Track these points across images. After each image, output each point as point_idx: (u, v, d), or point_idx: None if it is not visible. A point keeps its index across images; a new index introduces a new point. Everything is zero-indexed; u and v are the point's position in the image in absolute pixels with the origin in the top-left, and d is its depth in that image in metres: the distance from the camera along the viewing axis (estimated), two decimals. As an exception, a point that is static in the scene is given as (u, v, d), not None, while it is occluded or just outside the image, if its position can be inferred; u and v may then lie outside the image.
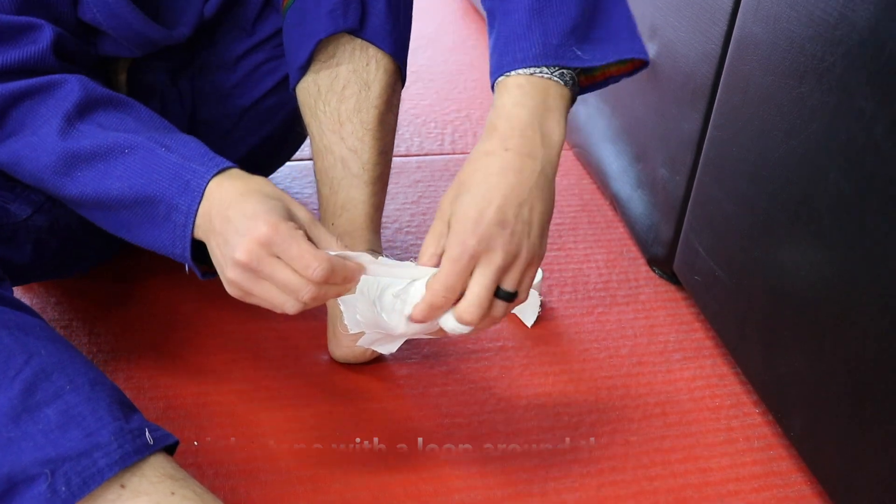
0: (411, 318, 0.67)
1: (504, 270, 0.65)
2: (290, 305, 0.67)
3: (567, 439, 0.88)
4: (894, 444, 0.70)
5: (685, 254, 1.06)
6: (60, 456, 0.61)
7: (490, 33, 0.73)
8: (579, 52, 0.66)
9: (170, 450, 0.68)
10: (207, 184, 0.70)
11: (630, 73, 0.73)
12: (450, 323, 0.67)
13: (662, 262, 1.13)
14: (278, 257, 0.65)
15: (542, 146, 0.66)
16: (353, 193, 0.87)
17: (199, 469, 0.82)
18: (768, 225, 0.86)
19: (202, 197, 0.69)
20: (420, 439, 0.87)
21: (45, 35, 0.75)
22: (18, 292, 1.01)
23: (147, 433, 0.65)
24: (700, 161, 1.00)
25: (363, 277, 0.78)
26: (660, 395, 0.95)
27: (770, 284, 0.87)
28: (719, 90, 0.95)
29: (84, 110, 0.74)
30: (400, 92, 0.91)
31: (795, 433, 0.85)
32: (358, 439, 0.86)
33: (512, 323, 1.04)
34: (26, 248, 0.84)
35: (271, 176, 1.26)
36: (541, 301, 1.04)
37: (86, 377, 0.66)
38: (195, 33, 0.91)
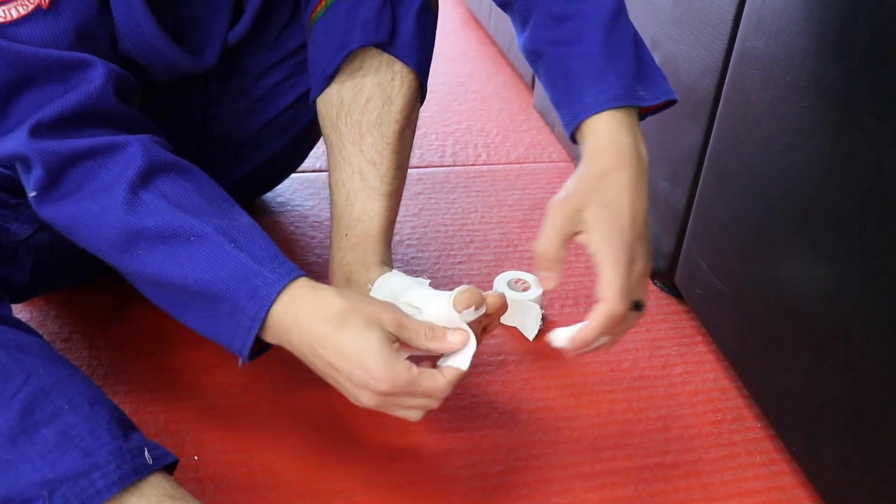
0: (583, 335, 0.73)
1: (640, 281, 0.73)
2: (415, 418, 0.73)
3: (568, 454, 0.88)
4: (895, 459, 0.70)
5: (686, 267, 1.06)
6: (58, 477, 0.61)
7: (548, 71, 0.78)
8: (642, 93, 0.76)
9: (169, 468, 0.68)
10: (278, 294, 0.69)
11: (660, 110, 0.80)
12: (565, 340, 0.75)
13: (664, 276, 1.13)
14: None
15: (642, 167, 0.75)
16: (369, 205, 0.87)
17: (199, 483, 0.81)
18: (769, 239, 0.86)
19: (271, 305, 0.69)
20: (421, 453, 0.87)
21: (99, 73, 0.71)
22: (18, 305, 1.01)
23: (146, 452, 0.64)
24: (701, 174, 1.00)
25: (379, 285, 0.81)
26: (661, 409, 0.95)
27: (771, 298, 0.87)
28: (720, 104, 0.95)
29: (148, 177, 0.71)
30: (419, 108, 0.91)
31: (797, 448, 0.84)
32: (358, 453, 0.86)
33: (513, 337, 1.04)
34: (26, 267, 0.84)
35: (274, 189, 1.26)
36: (543, 314, 1.04)
37: (84, 396, 0.66)
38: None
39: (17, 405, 0.63)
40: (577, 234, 0.73)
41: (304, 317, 0.69)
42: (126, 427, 0.66)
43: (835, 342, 0.77)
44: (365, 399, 0.69)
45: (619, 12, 0.76)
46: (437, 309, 0.74)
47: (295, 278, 0.70)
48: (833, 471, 0.79)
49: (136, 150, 0.71)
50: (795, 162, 0.81)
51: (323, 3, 0.85)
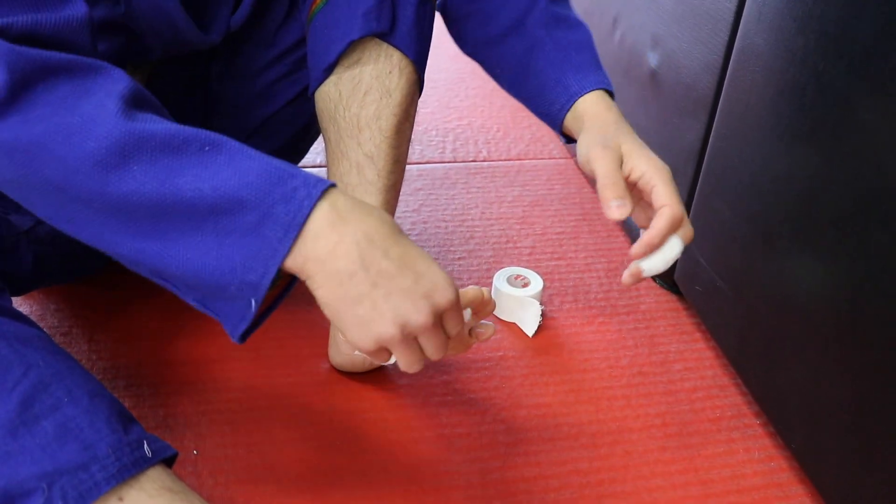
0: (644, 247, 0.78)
1: None
2: (417, 366, 0.64)
3: (567, 449, 0.88)
4: (895, 457, 0.70)
5: (686, 264, 1.06)
6: (57, 469, 0.61)
7: (546, 57, 0.91)
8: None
9: (169, 461, 0.68)
10: (322, 196, 0.58)
11: None
12: (674, 251, 0.79)
13: (663, 272, 1.13)
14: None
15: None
16: (366, 200, 0.87)
17: (198, 477, 0.82)
18: (769, 236, 0.86)
19: (312, 212, 0.58)
20: (421, 448, 0.87)
21: (80, 8, 0.61)
22: (18, 298, 1.01)
23: (145, 445, 0.64)
24: (701, 171, 1.00)
25: None
26: (660, 406, 0.95)
27: (771, 295, 0.87)
28: (721, 101, 0.95)
29: (139, 101, 0.60)
30: (417, 101, 0.91)
31: (796, 445, 0.84)
32: (358, 448, 0.86)
33: (512, 333, 1.04)
34: (27, 259, 0.84)
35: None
36: (542, 310, 1.04)
37: (84, 389, 0.66)
38: (220, 42, 0.91)
39: (16, 397, 0.63)
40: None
41: (357, 216, 0.59)
42: (125, 420, 0.66)
43: (834, 339, 0.77)
44: (422, 313, 0.60)
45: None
46: None
47: (333, 185, 0.60)
48: (832, 467, 0.79)
49: (120, 75, 0.61)
50: (796, 159, 0.81)
51: None
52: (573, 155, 1.46)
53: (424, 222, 1.25)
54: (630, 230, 1.22)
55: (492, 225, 1.26)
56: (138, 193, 0.57)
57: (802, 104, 0.79)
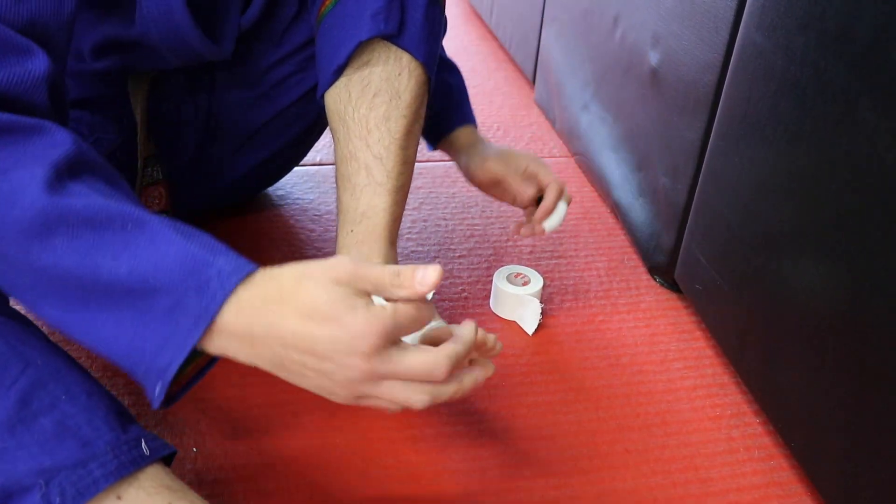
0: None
1: None
2: (420, 405, 0.60)
3: (567, 448, 0.88)
4: (894, 456, 0.70)
5: (686, 262, 1.06)
6: (55, 466, 0.61)
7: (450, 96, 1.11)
8: None
9: (167, 459, 0.68)
10: (234, 288, 0.57)
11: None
12: (563, 210, 1.04)
13: (664, 271, 1.13)
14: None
15: None
16: (375, 201, 0.87)
17: (197, 475, 0.82)
18: (770, 234, 0.86)
19: (223, 306, 0.57)
20: (420, 446, 0.87)
21: (40, 64, 0.61)
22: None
23: (144, 443, 0.64)
24: (702, 170, 1.00)
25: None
26: (660, 404, 0.95)
27: (771, 294, 0.87)
28: (721, 99, 0.95)
29: (75, 168, 0.59)
30: (426, 103, 0.91)
31: (796, 443, 0.84)
32: (357, 446, 0.86)
33: (512, 331, 1.04)
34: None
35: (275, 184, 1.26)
36: (542, 309, 1.04)
37: (82, 386, 0.66)
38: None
39: (14, 395, 0.63)
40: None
41: (265, 315, 0.57)
42: (124, 418, 0.66)
43: (834, 338, 0.77)
44: (356, 374, 0.57)
45: None
46: None
47: (251, 272, 0.58)
48: (831, 466, 0.79)
49: (64, 137, 0.60)
50: (796, 158, 0.81)
51: None
52: (572, 154, 1.46)
53: (425, 220, 1.25)
54: (630, 230, 1.22)
55: (492, 223, 1.26)
56: (59, 267, 0.57)
57: (803, 103, 0.79)
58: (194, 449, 0.84)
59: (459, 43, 2.02)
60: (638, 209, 1.19)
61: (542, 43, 1.66)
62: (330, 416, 0.89)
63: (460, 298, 1.09)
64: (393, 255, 0.89)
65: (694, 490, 0.84)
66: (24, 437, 0.62)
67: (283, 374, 0.60)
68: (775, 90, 0.83)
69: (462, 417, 0.91)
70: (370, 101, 0.86)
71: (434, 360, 0.59)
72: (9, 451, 0.61)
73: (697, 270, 1.02)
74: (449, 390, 0.61)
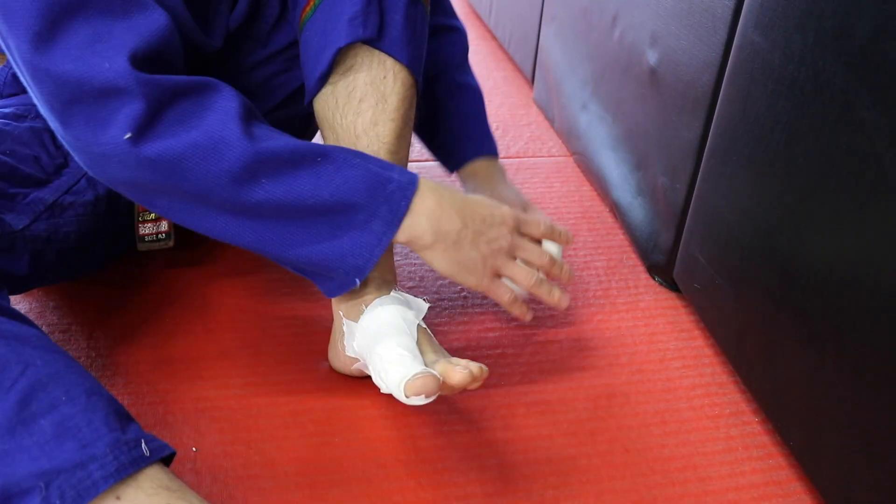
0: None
1: None
2: (531, 277, 0.88)
3: (566, 447, 0.88)
4: (893, 454, 0.70)
5: (685, 262, 1.06)
6: (55, 468, 0.61)
7: (444, 120, 1.13)
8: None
9: (167, 460, 0.68)
10: (414, 194, 0.78)
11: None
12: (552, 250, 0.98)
13: (662, 270, 1.13)
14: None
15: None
16: None
17: (197, 475, 0.82)
18: (768, 234, 0.86)
19: (408, 208, 0.77)
20: (419, 445, 0.87)
21: (162, 16, 0.72)
22: (17, 296, 1.01)
23: (143, 444, 0.65)
24: (700, 169, 1.00)
25: (370, 314, 0.82)
26: (659, 404, 0.95)
27: (770, 293, 0.87)
28: (720, 99, 0.95)
29: (249, 116, 0.73)
30: (415, 105, 0.91)
31: (795, 442, 0.85)
32: (357, 446, 0.86)
33: (512, 331, 1.04)
34: (24, 258, 0.84)
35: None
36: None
37: (82, 388, 0.66)
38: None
39: (14, 396, 0.63)
40: None
41: (439, 195, 0.80)
42: (124, 419, 0.66)
43: (833, 337, 0.77)
44: (504, 242, 0.84)
45: None
46: (392, 381, 0.76)
47: (419, 179, 0.79)
48: (830, 465, 0.79)
49: (231, 91, 0.73)
50: (795, 157, 0.81)
51: (311, 5, 0.85)
52: (571, 153, 1.46)
53: (423, 220, 1.25)
54: (629, 229, 1.22)
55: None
56: (267, 201, 0.73)
57: (801, 102, 0.79)
58: (194, 448, 0.84)
59: (458, 42, 2.02)
60: (637, 208, 1.19)
61: (540, 42, 1.66)
62: (329, 417, 0.89)
63: (459, 298, 1.09)
64: (389, 261, 0.89)
65: (693, 489, 0.84)
66: (24, 439, 0.62)
67: (456, 242, 0.81)
68: (773, 89, 0.83)
69: (461, 417, 0.91)
70: (356, 106, 0.85)
71: (543, 249, 0.90)
72: (8, 453, 0.61)
73: (696, 270, 1.02)
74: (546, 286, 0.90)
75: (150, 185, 0.74)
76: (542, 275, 0.90)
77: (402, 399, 0.75)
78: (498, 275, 0.87)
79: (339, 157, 0.76)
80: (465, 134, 1.14)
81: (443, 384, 0.76)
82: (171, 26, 0.73)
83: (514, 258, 0.87)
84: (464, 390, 0.80)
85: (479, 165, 1.12)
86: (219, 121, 0.71)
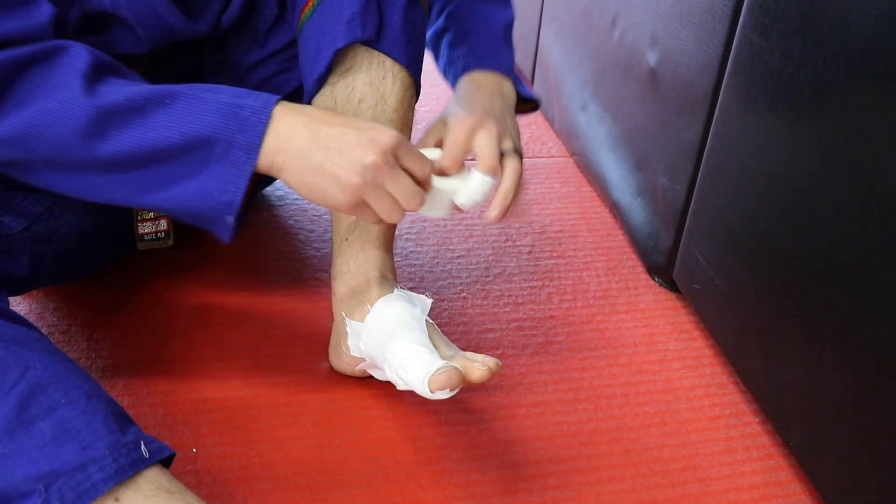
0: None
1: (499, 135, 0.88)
2: (397, 214, 0.74)
3: (566, 447, 0.88)
4: (893, 455, 0.70)
5: (685, 262, 1.06)
6: (55, 471, 0.61)
7: (456, 38, 0.99)
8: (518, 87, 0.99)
9: (166, 462, 0.68)
10: (270, 115, 0.71)
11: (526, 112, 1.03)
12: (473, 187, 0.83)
13: (662, 271, 1.13)
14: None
15: (504, 100, 0.94)
16: None
17: (197, 476, 0.82)
18: (768, 234, 0.86)
19: (266, 131, 0.71)
20: (419, 446, 0.87)
21: (46, 12, 0.71)
22: (17, 297, 1.01)
23: (143, 446, 0.64)
24: (700, 170, 1.00)
25: (377, 313, 0.82)
26: (659, 404, 0.95)
27: (770, 294, 0.87)
28: (719, 99, 0.95)
29: (98, 72, 0.71)
30: (415, 106, 0.91)
31: (795, 443, 0.85)
32: (357, 446, 0.86)
33: (512, 331, 1.04)
34: (24, 260, 0.84)
35: (273, 184, 1.26)
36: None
37: (81, 390, 0.66)
38: (209, 39, 0.91)
39: (13, 399, 0.63)
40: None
41: (299, 114, 0.73)
42: (123, 421, 0.66)
43: (833, 337, 0.77)
44: (373, 153, 0.71)
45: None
46: (414, 377, 0.76)
47: (278, 100, 0.73)
48: (830, 465, 0.79)
49: (79, 50, 0.71)
50: (794, 157, 0.81)
51: (310, 5, 0.84)
52: (571, 154, 1.46)
53: (423, 221, 1.25)
54: (629, 230, 1.22)
55: (491, 224, 1.26)
56: (122, 152, 0.70)
57: (801, 103, 0.79)
58: (194, 450, 0.84)
59: (458, 43, 2.02)
60: (636, 209, 1.19)
61: (540, 42, 1.66)
62: (329, 419, 0.89)
63: (459, 298, 1.09)
64: (390, 261, 0.89)
65: (693, 490, 0.84)
66: (24, 442, 0.62)
67: (307, 161, 0.72)
68: (773, 90, 0.83)
69: (461, 418, 0.91)
70: (356, 107, 0.85)
71: (414, 190, 0.75)
72: (8, 456, 0.61)
73: (696, 270, 1.02)
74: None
75: (13, 161, 0.73)
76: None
77: (426, 394, 0.75)
78: (363, 202, 0.75)
79: (188, 94, 0.72)
80: (468, 45, 0.99)
81: (462, 379, 0.76)
82: (53, 22, 0.72)
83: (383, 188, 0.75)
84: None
85: (472, 79, 0.96)
86: (62, 83, 0.69)
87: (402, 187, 0.73)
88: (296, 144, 0.72)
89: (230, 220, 0.74)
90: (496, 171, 0.85)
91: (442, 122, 0.89)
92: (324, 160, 0.72)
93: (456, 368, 0.75)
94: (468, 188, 0.82)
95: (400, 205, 0.74)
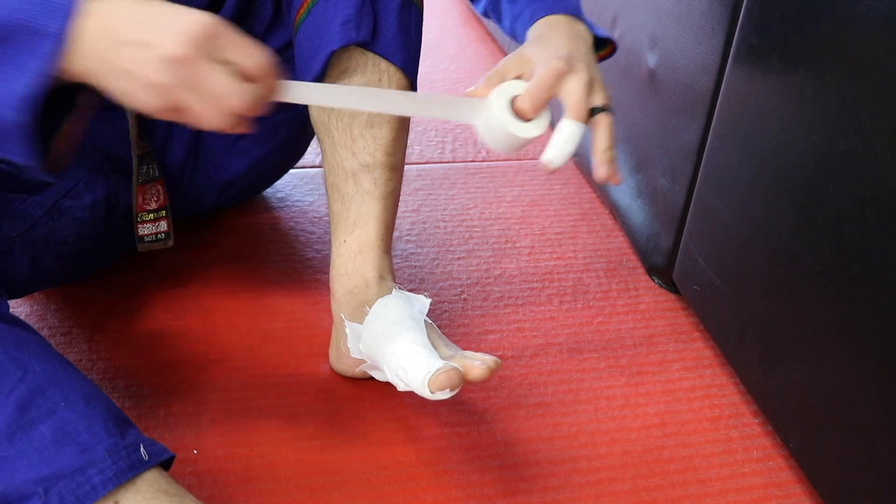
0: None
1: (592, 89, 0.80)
2: (222, 118, 0.62)
3: (566, 448, 0.88)
4: (893, 455, 0.70)
5: (685, 263, 1.06)
6: (55, 474, 0.61)
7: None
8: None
9: (166, 464, 0.68)
10: (79, 4, 0.59)
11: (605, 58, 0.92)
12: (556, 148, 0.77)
13: (662, 272, 1.13)
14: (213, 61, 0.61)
15: (586, 42, 0.84)
16: (364, 210, 0.87)
17: (197, 477, 0.82)
18: (768, 235, 0.86)
19: (74, 14, 0.59)
20: (419, 448, 0.87)
21: None
22: (18, 300, 1.01)
23: (142, 448, 0.65)
24: (700, 171, 1.01)
25: (376, 314, 0.82)
26: (659, 405, 0.95)
27: (769, 295, 0.87)
28: (719, 101, 0.95)
29: None
30: None
31: (795, 444, 0.85)
32: (357, 448, 0.86)
33: (512, 332, 1.04)
34: (24, 262, 0.84)
35: (274, 185, 1.26)
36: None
37: (81, 393, 0.66)
38: None
39: (13, 402, 0.63)
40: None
41: (123, 9, 0.60)
42: (122, 423, 0.66)
43: (832, 339, 0.77)
44: (172, 52, 0.59)
45: None
46: (414, 378, 0.76)
47: None
48: (830, 466, 0.79)
49: None
50: (794, 159, 0.81)
51: (305, 6, 0.85)
52: (574, 155, 1.46)
53: (424, 222, 1.26)
54: (629, 231, 1.22)
55: (491, 225, 1.26)
56: None
57: (800, 104, 0.79)
58: (194, 451, 0.84)
59: (458, 45, 2.02)
60: (636, 210, 1.19)
61: (540, 44, 1.66)
62: (330, 420, 0.89)
63: (459, 300, 1.09)
64: (388, 262, 0.89)
65: (693, 491, 0.84)
66: (23, 445, 0.62)
67: (116, 75, 0.60)
68: (772, 91, 0.84)
69: (461, 419, 0.91)
70: (352, 108, 0.85)
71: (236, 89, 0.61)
72: (8, 459, 0.61)
73: (696, 271, 1.02)
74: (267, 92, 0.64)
75: None
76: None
77: (426, 395, 0.74)
78: (179, 105, 0.62)
79: None
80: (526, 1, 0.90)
81: (462, 379, 0.75)
82: None
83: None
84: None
85: (546, 23, 0.87)
86: None
87: (218, 86, 0.61)
88: (102, 41, 0.60)
89: (26, 126, 0.60)
90: (585, 121, 0.79)
91: (520, 57, 0.79)
92: (127, 57, 0.60)
93: (455, 368, 0.74)
94: (558, 141, 0.77)
95: (223, 106, 0.62)
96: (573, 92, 0.77)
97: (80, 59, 0.60)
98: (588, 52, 0.83)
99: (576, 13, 0.87)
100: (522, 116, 0.76)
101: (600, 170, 0.80)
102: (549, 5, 0.87)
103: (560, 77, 0.77)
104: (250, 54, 0.62)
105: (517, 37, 0.90)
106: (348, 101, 0.76)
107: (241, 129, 0.64)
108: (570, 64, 0.77)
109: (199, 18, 0.60)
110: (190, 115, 0.62)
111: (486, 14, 0.98)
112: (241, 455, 0.85)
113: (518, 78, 0.78)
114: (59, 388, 0.65)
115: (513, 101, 0.76)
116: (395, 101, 0.77)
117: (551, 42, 0.81)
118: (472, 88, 0.78)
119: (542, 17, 0.86)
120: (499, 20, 0.95)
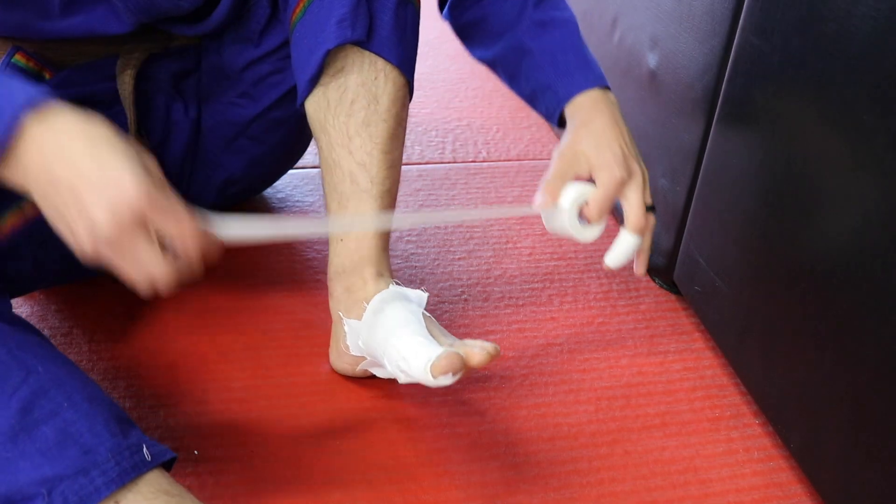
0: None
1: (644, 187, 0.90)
2: (142, 285, 0.63)
3: (567, 449, 0.88)
4: (894, 455, 0.70)
5: (685, 264, 1.06)
6: (57, 475, 0.61)
7: (536, 63, 0.95)
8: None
9: (168, 464, 0.68)
10: (23, 115, 0.58)
11: None
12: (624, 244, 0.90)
13: (663, 272, 1.13)
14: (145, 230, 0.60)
15: (616, 113, 0.92)
16: (361, 209, 0.87)
17: (198, 478, 0.82)
18: (768, 236, 0.86)
19: (15, 132, 0.58)
20: (420, 448, 0.87)
21: None
22: (19, 299, 1.01)
23: (144, 449, 0.65)
24: (700, 172, 1.01)
25: (374, 310, 0.82)
26: (659, 406, 0.95)
27: (770, 295, 0.87)
28: (719, 101, 0.95)
29: None
30: (408, 105, 0.91)
31: (795, 445, 0.85)
32: (357, 448, 0.86)
33: (512, 333, 1.04)
34: (26, 262, 0.84)
35: (274, 184, 1.26)
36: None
37: (83, 393, 0.66)
38: (201, 39, 0.91)
39: (16, 403, 0.63)
40: (576, 173, 0.89)
41: (57, 131, 0.59)
42: (125, 424, 0.66)
43: (833, 338, 0.77)
44: (99, 219, 0.58)
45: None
46: (416, 366, 0.76)
47: (38, 103, 0.59)
48: (831, 467, 0.79)
49: None
50: (794, 159, 0.81)
51: (301, 5, 0.85)
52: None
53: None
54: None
55: (491, 225, 1.26)
56: None
57: (800, 105, 0.79)
58: (195, 451, 0.84)
59: (458, 45, 2.02)
60: (637, 211, 1.19)
61: (541, 44, 1.66)
62: (331, 420, 0.89)
63: (459, 301, 1.09)
64: (386, 260, 0.89)
65: (693, 491, 0.84)
66: (26, 446, 0.62)
67: (52, 215, 0.60)
68: (773, 92, 0.84)
69: (462, 419, 0.91)
70: (348, 107, 0.85)
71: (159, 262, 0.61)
72: (11, 460, 0.61)
73: (696, 272, 1.02)
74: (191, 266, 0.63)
75: None
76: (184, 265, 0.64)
77: (429, 382, 0.74)
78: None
79: None
80: (553, 73, 0.94)
81: (463, 364, 0.76)
82: None
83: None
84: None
85: (577, 105, 0.92)
86: None
87: (144, 257, 0.60)
88: (38, 168, 0.59)
89: None
90: (643, 232, 0.90)
91: (573, 155, 0.88)
92: (61, 201, 0.59)
93: (456, 353, 0.74)
94: (619, 249, 0.90)
95: (148, 274, 0.62)
96: (634, 204, 0.88)
97: (18, 174, 0.60)
98: (631, 140, 0.91)
99: (604, 83, 0.94)
100: (587, 220, 0.88)
101: (639, 269, 0.93)
102: (581, 81, 0.93)
103: (622, 186, 0.88)
104: (183, 226, 0.61)
105: (545, 109, 0.96)
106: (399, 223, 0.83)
107: (169, 294, 0.63)
108: (630, 170, 0.88)
109: (131, 189, 0.58)
110: (120, 272, 0.62)
111: (489, 65, 1.02)
112: (241, 455, 0.85)
113: (578, 177, 0.88)
114: (62, 388, 0.65)
115: (580, 208, 0.88)
116: (465, 215, 0.83)
117: (602, 135, 0.88)
118: (539, 195, 0.89)
119: (577, 94, 0.92)
120: (511, 80, 1.00)
